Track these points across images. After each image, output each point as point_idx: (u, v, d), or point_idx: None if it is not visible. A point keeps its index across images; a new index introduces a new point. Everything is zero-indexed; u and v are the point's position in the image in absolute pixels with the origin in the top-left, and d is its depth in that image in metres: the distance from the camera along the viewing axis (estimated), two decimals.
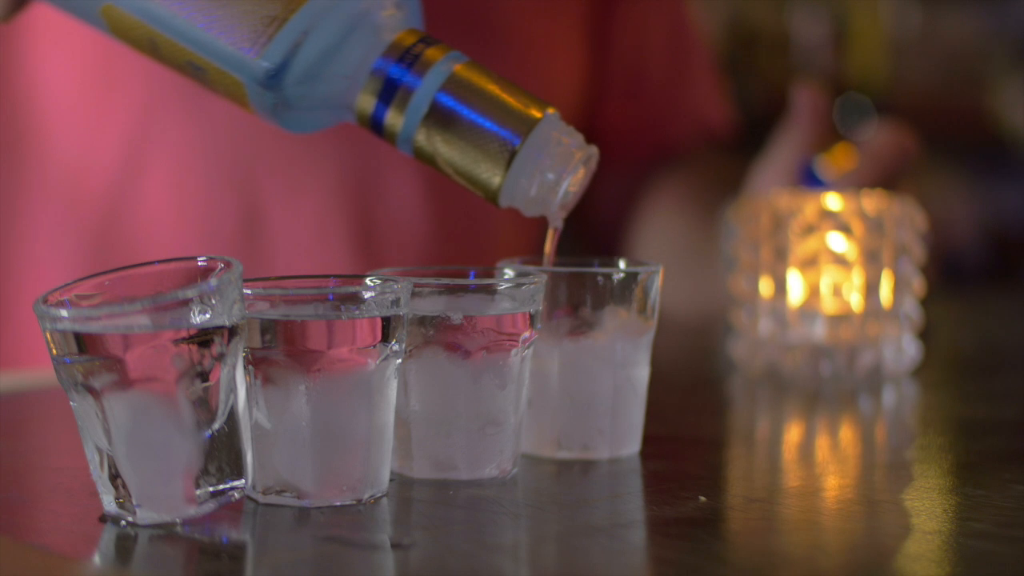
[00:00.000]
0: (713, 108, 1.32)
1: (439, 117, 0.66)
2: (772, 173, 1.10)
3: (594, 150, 0.68)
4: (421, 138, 0.66)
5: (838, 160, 1.07)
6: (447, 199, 1.15)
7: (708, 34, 1.34)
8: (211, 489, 0.58)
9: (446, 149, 0.66)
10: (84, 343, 0.56)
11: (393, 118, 0.66)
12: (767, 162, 1.11)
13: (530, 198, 0.67)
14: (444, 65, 0.66)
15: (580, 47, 1.22)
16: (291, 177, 1.08)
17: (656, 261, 0.72)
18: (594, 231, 1.29)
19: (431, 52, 0.66)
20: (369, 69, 0.66)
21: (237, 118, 1.06)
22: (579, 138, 0.67)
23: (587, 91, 1.23)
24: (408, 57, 0.66)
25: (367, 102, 0.67)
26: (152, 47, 0.68)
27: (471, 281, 0.66)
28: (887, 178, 1.04)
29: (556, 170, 0.66)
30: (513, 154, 0.66)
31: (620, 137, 1.27)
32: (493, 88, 0.66)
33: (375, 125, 0.67)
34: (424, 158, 0.67)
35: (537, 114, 0.66)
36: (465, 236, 1.15)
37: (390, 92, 0.66)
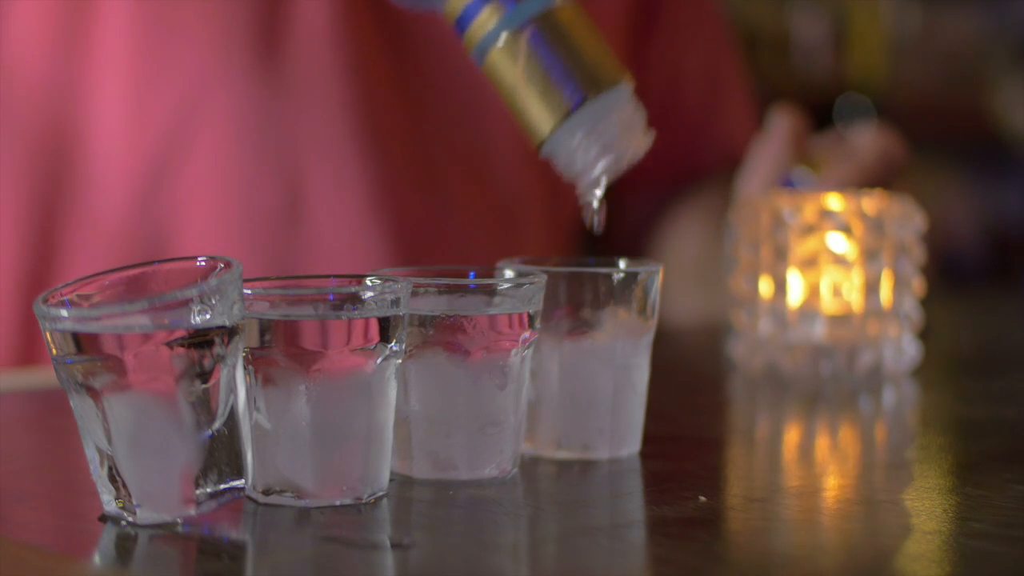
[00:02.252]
0: (743, 138, 1.33)
1: (520, 45, 0.66)
2: (753, 187, 1.10)
3: (646, 143, 0.68)
4: (495, 57, 0.66)
5: (820, 171, 1.06)
6: (487, 199, 1.15)
7: (743, 64, 1.36)
8: (211, 489, 0.58)
9: (513, 78, 0.66)
10: (84, 343, 0.56)
11: (478, 25, 0.66)
12: (747, 177, 1.11)
13: (568, 161, 0.67)
14: None
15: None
16: (335, 167, 1.09)
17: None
18: (616, 246, 1.30)
19: None
20: None
21: (285, 104, 1.07)
22: (640, 121, 0.68)
23: None
24: None
25: (462, 1, 0.67)
26: None
27: (471, 281, 0.66)
28: (871, 182, 1.04)
29: (602, 144, 0.67)
30: (571, 111, 0.66)
31: (651, 160, 1.29)
32: (582, 39, 0.67)
33: (461, 23, 0.67)
34: (490, 75, 0.67)
35: (610, 82, 0.66)
36: (502, 235, 1.16)
37: (486, 1, 0.66)
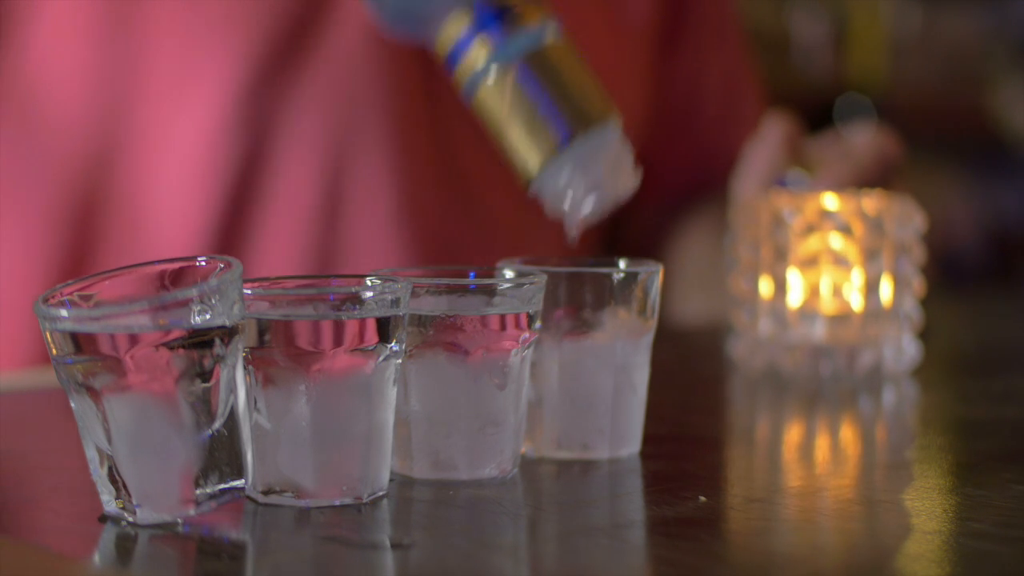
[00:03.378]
0: None
1: (508, 81, 0.66)
2: (748, 190, 1.10)
3: (634, 181, 0.68)
4: (484, 94, 0.66)
5: (814, 173, 1.06)
6: (516, 204, 1.16)
7: (760, 78, 1.38)
8: (211, 489, 0.58)
9: (501, 114, 0.66)
10: (84, 343, 0.56)
11: (468, 62, 0.67)
12: (742, 180, 1.12)
13: (555, 199, 0.67)
14: (537, 33, 0.66)
15: (642, 80, 1.24)
16: (376, 166, 1.09)
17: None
18: (631, 251, 1.31)
19: (531, 13, 0.66)
20: (469, 3, 0.66)
21: (329, 101, 1.07)
22: (628, 158, 0.68)
23: (645, 122, 1.25)
24: (509, 9, 0.66)
25: (452, 33, 0.66)
26: None
27: (471, 281, 0.66)
28: (866, 183, 1.04)
29: (590, 182, 0.67)
30: (558, 149, 0.66)
31: (667, 169, 1.30)
32: (571, 76, 0.66)
33: (451, 59, 0.67)
34: (479, 112, 0.67)
35: (598, 120, 0.66)
36: (530, 239, 1.17)
37: (475, 36, 0.66)
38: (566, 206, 0.67)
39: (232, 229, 1.08)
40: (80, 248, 1.08)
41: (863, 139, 1.08)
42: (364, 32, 1.08)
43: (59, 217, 1.07)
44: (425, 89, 1.12)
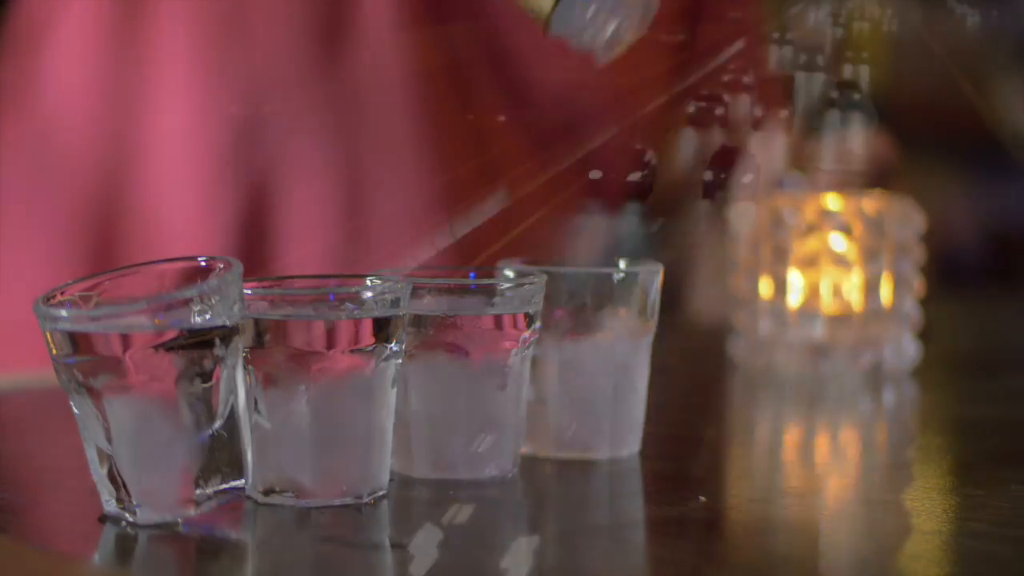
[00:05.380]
0: None
1: None
2: (743, 190, 1.10)
3: (654, 1, 0.67)
4: None
5: (810, 176, 1.06)
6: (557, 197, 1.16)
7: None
8: (211, 489, 0.58)
9: None
10: (83, 343, 0.56)
11: None
12: (738, 181, 1.12)
13: (577, 35, 0.66)
14: None
15: (665, 62, 1.25)
16: (396, 167, 1.09)
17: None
18: None
19: None
20: None
21: (346, 101, 1.07)
22: None
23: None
24: None
25: None
26: None
27: (471, 281, 0.66)
28: (859, 184, 1.04)
29: (605, 9, 0.66)
30: None
31: None
32: None
33: None
34: None
35: None
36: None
37: None
38: (587, 38, 0.66)
39: (252, 230, 1.08)
40: (102, 255, 1.08)
41: (856, 142, 1.08)
42: (388, 23, 1.09)
43: (79, 225, 1.08)
44: (457, 81, 1.12)
